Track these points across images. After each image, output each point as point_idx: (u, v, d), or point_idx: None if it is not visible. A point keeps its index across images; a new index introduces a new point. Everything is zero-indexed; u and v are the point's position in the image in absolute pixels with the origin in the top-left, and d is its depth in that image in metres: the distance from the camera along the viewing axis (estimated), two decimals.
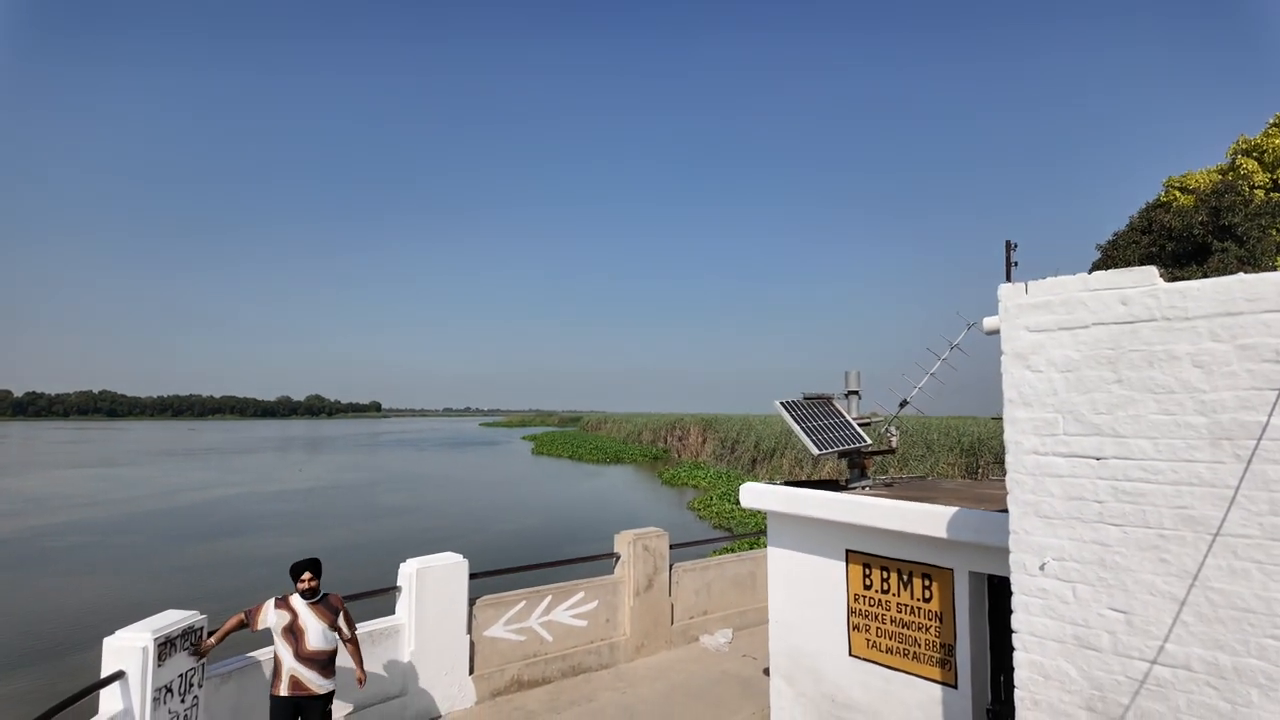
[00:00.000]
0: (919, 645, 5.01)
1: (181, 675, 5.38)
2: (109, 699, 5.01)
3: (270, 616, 5.55)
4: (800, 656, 5.82)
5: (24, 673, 12.11)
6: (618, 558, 9.06)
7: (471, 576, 7.62)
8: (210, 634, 5.70)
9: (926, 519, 4.70)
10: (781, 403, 5.85)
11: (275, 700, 5.48)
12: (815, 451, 5.51)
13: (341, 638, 5.76)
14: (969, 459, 29.43)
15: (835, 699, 5.52)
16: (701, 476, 41.14)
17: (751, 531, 17.49)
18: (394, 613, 7.30)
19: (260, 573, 18.79)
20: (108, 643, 5.11)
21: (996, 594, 4.68)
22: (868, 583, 5.34)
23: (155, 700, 5.09)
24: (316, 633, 5.54)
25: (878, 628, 5.26)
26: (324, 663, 5.58)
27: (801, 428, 5.64)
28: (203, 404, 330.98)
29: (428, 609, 7.22)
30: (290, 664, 5.46)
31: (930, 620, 4.95)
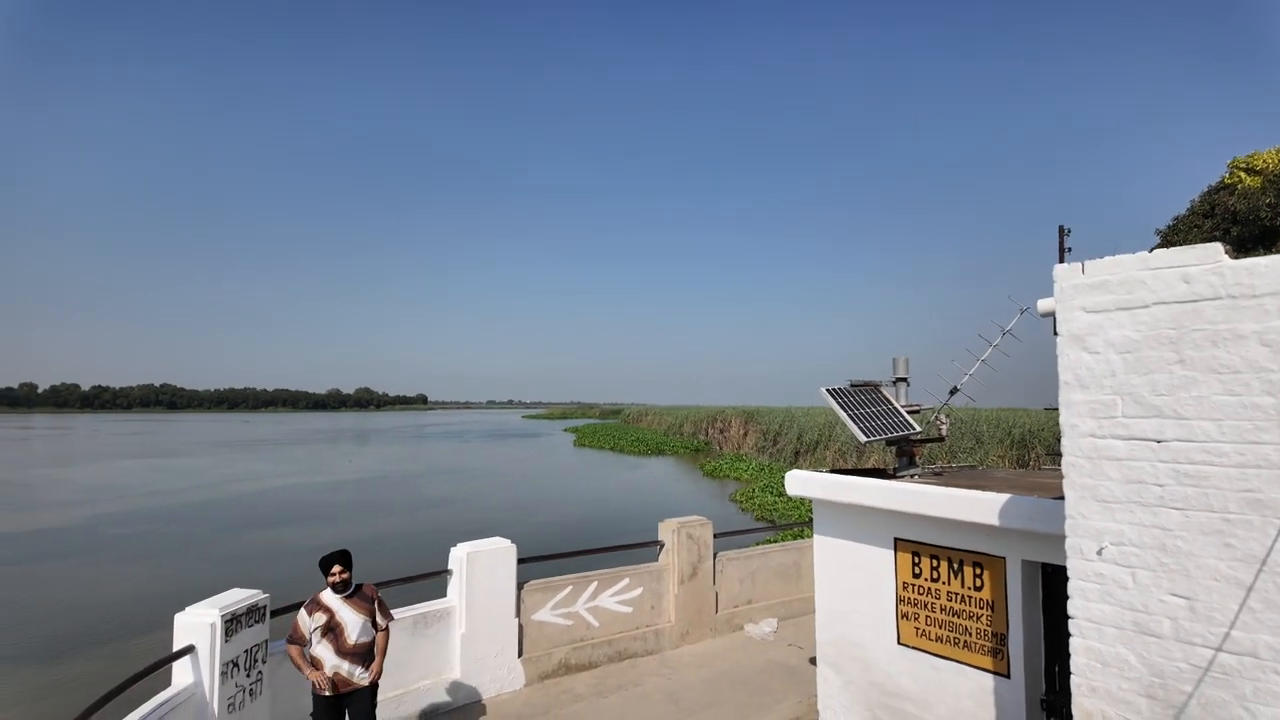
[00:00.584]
0: (970, 634, 4.96)
1: (247, 651, 5.62)
2: (180, 671, 5.26)
3: (307, 624, 5.42)
4: (847, 645, 5.80)
5: (92, 652, 12.74)
6: (661, 545, 9.12)
7: (519, 562, 7.77)
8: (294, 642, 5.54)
9: (978, 506, 4.64)
10: (828, 389, 5.82)
11: (320, 700, 5.38)
12: (862, 438, 5.48)
13: (375, 627, 5.62)
14: (1020, 451, 28.75)
15: (884, 687, 5.50)
16: (743, 469, 41.02)
17: (795, 522, 17.40)
18: (445, 596, 7.49)
19: (309, 563, 19.38)
20: (179, 618, 5.35)
21: (1050, 583, 4.60)
22: (917, 571, 5.30)
23: (223, 674, 5.32)
24: (355, 626, 5.44)
25: (927, 616, 5.22)
26: (365, 655, 5.49)
27: (848, 414, 5.60)
28: (256, 397, 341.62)
29: (478, 592, 7.39)
30: (333, 662, 5.36)
31: (981, 609, 4.89)
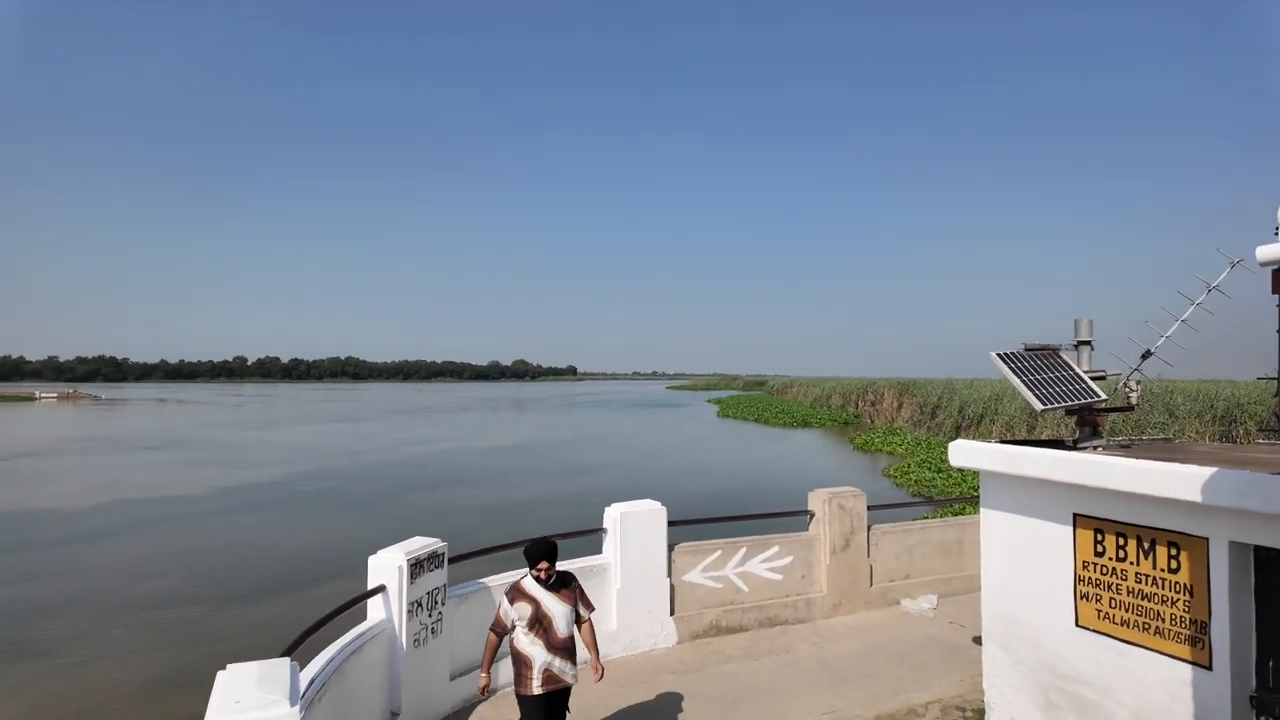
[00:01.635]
0: (1163, 620, 4.53)
1: (429, 593, 6.19)
2: (374, 608, 5.89)
3: (511, 613, 4.91)
4: (1017, 624, 5.48)
5: (290, 594, 14.46)
6: (811, 515, 9.00)
7: (669, 524, 7.97)
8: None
9: (1177, 481, 4.20)
10: (999, 354, 5.44)
11: (529, 700, 4.85)
12: (1039, 406, 5.09)
13: (578, 619, 5.09)
14: (1223, 426, 25.41)
15: (1058, 670, 5.15)
16: (897, 443, 39.33)
17: (954, 498, 16.51)
18: (600, 553, 7.84)
19: (476, 520, 20.89)
20: (372, 561, 5.98)
21: (1264, 567, 4.10)
22: (1099, 549, 4.89)
23: (409, 612, 5.91)
24: (562, 617, 4.94)
25: (1111, 598, 4.81)
26: (571, 649, 4.98)
27: (1022, 381, 5.22)
28: (427, 368, 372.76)
29: (631, 551, 7.67)
30: (544, 658, 4.83)
31: (1178, 593, 4.44)
